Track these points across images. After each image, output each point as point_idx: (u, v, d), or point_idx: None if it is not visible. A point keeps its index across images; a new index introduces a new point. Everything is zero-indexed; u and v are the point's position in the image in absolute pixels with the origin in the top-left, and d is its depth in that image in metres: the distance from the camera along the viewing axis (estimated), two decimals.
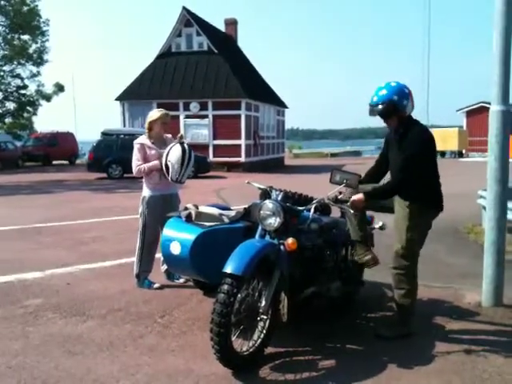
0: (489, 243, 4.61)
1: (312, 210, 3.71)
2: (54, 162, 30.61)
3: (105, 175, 19.81)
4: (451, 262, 6.47)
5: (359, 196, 3.70)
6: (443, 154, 36.55)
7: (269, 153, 28.78)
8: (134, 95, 24.91)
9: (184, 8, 24.99)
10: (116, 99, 25.40)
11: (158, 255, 5.36)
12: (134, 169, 5.11)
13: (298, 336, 3.94)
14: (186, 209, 4.17)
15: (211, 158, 23.26)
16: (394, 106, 3.69)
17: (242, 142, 24.15)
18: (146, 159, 5.09)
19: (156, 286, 5.17)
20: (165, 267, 5.32)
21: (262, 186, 3.93)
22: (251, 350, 3.38)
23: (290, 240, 3.42)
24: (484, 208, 8.20)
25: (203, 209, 4.16)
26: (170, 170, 4.88)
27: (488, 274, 4.62)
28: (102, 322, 4.27)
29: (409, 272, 3.86)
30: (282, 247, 3.47)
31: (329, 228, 4.11)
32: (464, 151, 36.86)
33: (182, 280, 5.31)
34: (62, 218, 9.79)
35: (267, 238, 3.58)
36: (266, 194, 3.83)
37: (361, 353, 3.70)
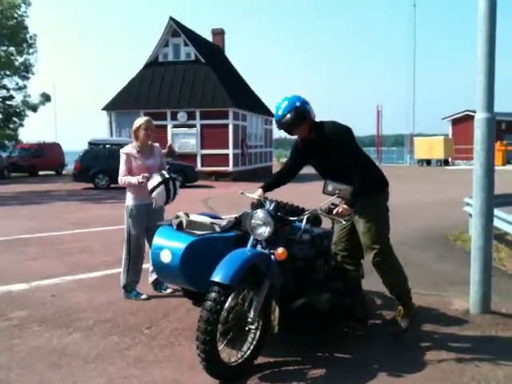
0: (476, 250, 4.62)
1: (304, 221, 3.70)
2: (41, 173, 30.33)
3: (91, 185, 19.66)
4: (439, 268, 6.48)
5: (346, 207, 3.69)
6: (429, 162, 36.85)
7: (257, 162, 28.77)
8: (121, 105, 24.80)
9: (171, 18, 25.01)
10: (103, 109, 25.26)
11: (145, 265, 5.33)
12: (119, 179, 5.17)
13: (287, 345, 3.90)
14: (177, 217, 4.14)
15: (199, 167, 23.18)
16: (301, 112, 3.75)
17: (230, 151, 24.12)
18: (130, 170, 5.09)
19: (143, 297, 5.12)
20: (152, 278, 5.27)
21: (256, 197, 3.91)
22: (240, 360, 3.36)
23: (280, 250, 3.41)
24: (470, 215, 8.25)
25: (194, 217, 4.14)
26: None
27: (475, 280, 4.63)
28: (89, 334, 4.21)
29: (386, 253, 3.92)
30: (272, 257, 3.46)
31: (320, 239, 4.12)
32: (450, 159, 37.17)
33: (169, 290, 5.27)
34: (48, 229, 9.68)
35: (259, 247, 3.56)
36: (259, 204, 3.82)
37: (350, 361, 3.68)
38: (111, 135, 24.83)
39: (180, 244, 3.76)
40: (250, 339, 3.42)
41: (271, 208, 3.65)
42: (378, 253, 3.88)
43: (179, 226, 3.97)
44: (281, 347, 3.84)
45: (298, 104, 3.76)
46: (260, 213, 3.55)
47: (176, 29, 25.07)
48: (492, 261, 4.76)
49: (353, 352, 3.81)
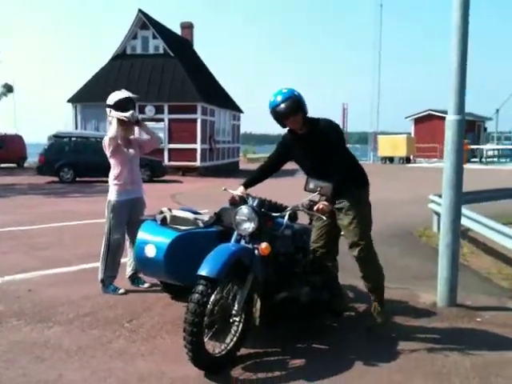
0: (444, 246, 4.85)
1: (286, 217, 3.83)
2: (2, 165, 29.53)
3: (56, 179, 19.29)
4: (404, 264, 6.72)
5: (327, 204, 3.80)
6: (392, 159, 37.63)
7: (224, 157, 28.83)
8: (87, 97, 24.37)
9: (140, 11, 24.73)
10: (68, 101, 24.82)
11: (123, 260, 5.36)
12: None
13: (268, 337, 4.03)
14: (161, 212, 4.21)
15: (166, 162, 23.06)
16: (298, 101, 3.86)
17: (198, 146, 24.08)
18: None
19: (121, 291, 5.13)
20: (129, 272, 5.31)
21: (238, 193, 4.00)
22: (224, 352, 3.46)
23: (264, 245, 3.52)
24: (435, 213, 8.57)
25: (177, 213, 4.21)
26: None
27: (443, 275, 4.86)
28: (69, 328, 4.22)
29: (369, 248, 4.08)
30: (256, 252, 3.57)
31: (300, 234, 4.26)
32: (411, 157, 38.06)
33: (146, 285, 5.31)
34: (15, 223, 9.49)
35: (242, 242, 3.67)
36: (241, 201, 3.91)
37: (328, 352, 3.84)
38: (76, 128, 24.41)
39: (165, 239, 3.83)
40: (233, 331, 3.52)
41: (255, 204, 3.76)
42: (363, 248, 4.03)
43: (163, 221, 4.04)
44: (262, 339, 3.96)
45: (296, 93, 3.86)
46: (245, 209, 3.65)
47: (145, 21, 24.82)
48: (459, 257, 4.99)
49: (330, 343, 3.97)
